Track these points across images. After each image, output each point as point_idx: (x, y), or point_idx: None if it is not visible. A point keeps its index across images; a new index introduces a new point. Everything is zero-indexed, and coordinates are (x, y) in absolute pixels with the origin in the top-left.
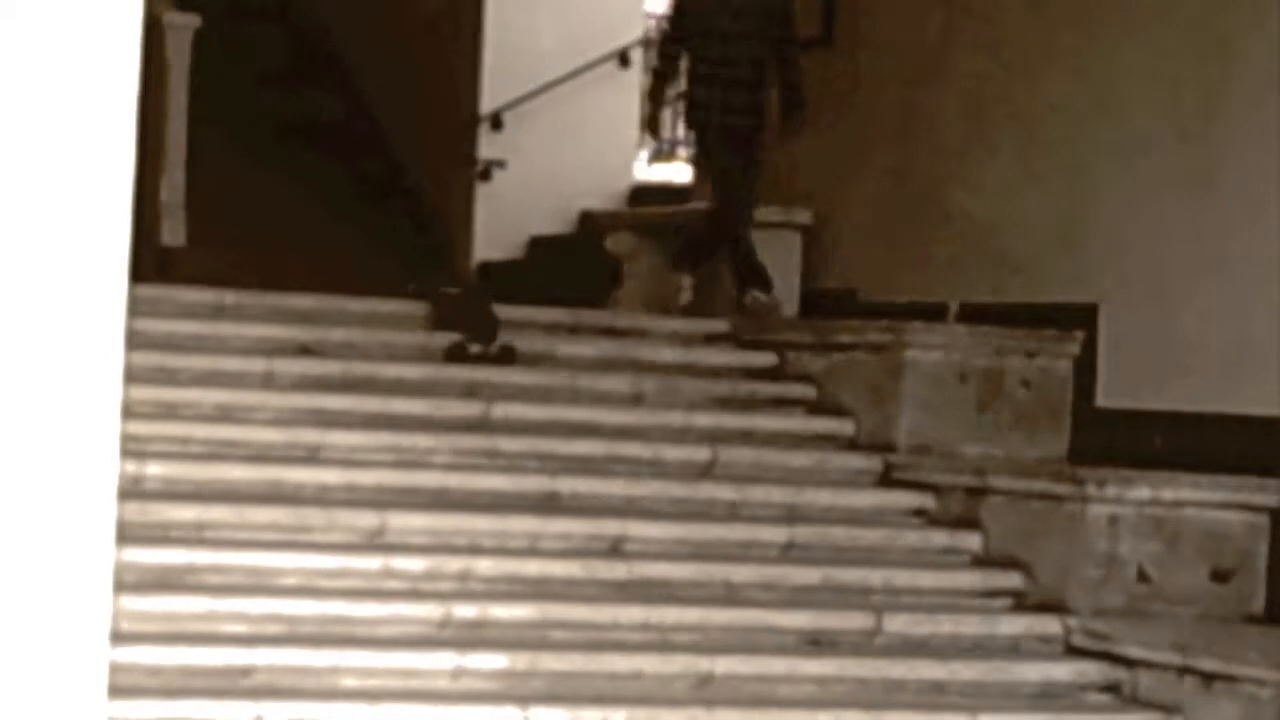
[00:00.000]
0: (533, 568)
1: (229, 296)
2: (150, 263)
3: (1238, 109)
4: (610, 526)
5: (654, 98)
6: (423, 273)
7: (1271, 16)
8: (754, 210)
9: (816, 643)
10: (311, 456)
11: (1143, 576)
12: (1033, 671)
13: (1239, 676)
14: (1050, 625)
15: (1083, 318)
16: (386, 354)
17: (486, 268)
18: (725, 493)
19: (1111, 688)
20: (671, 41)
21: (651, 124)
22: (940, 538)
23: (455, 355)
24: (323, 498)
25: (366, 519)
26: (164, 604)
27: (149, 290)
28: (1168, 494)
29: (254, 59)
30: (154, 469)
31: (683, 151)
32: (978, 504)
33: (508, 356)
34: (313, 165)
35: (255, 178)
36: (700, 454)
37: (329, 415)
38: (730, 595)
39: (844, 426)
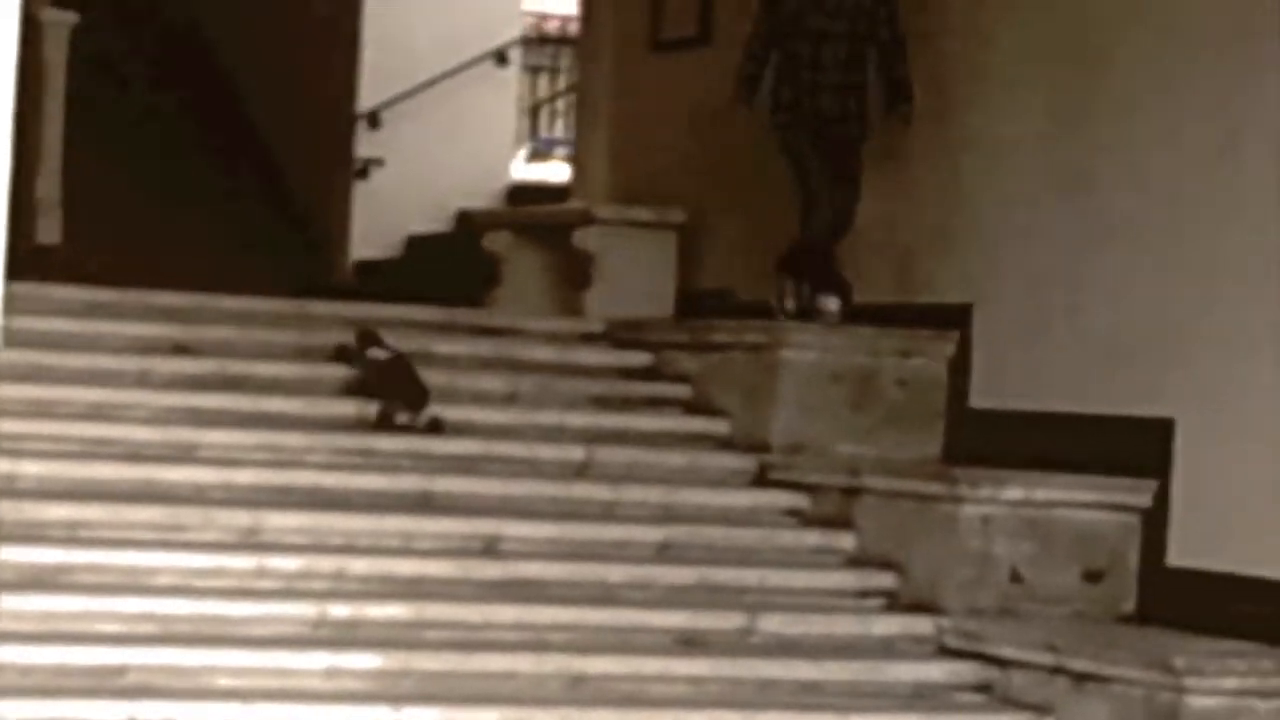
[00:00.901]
0: (407, 567)
1: (104, 294)
2: (25, 260)
3: (1111, 111)
4: (485, 526)
5: (740, 98)
6: (299, 271)
7: (1142, 21)
8: (850, 219)
9: (690, 643)
10: (187, 455)
11: (1015, 577)
12: (906, 672)
13: (1110, 677)
14: (923, 625)
15: (957, 318)
16: (262, 352)
17: (364, 266)
18: (600, 492)
19: (984, 688)
20: (760, 42)
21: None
22: (814, 538)
23: (382, 424)
24: (198, 497)
25: (241, 518)
26: (38, 603)
27: (24, 288)
28: (1040, 494)
29: (130, 58)
30: (29, 467)
31: (560, 151)
32: (852, 504)
33: (435, 428)
34: (190, 164)
35: (132, 176)
36: (575, 453)
37: (204, 414)
38: (605, 595)
39: (719, 426)
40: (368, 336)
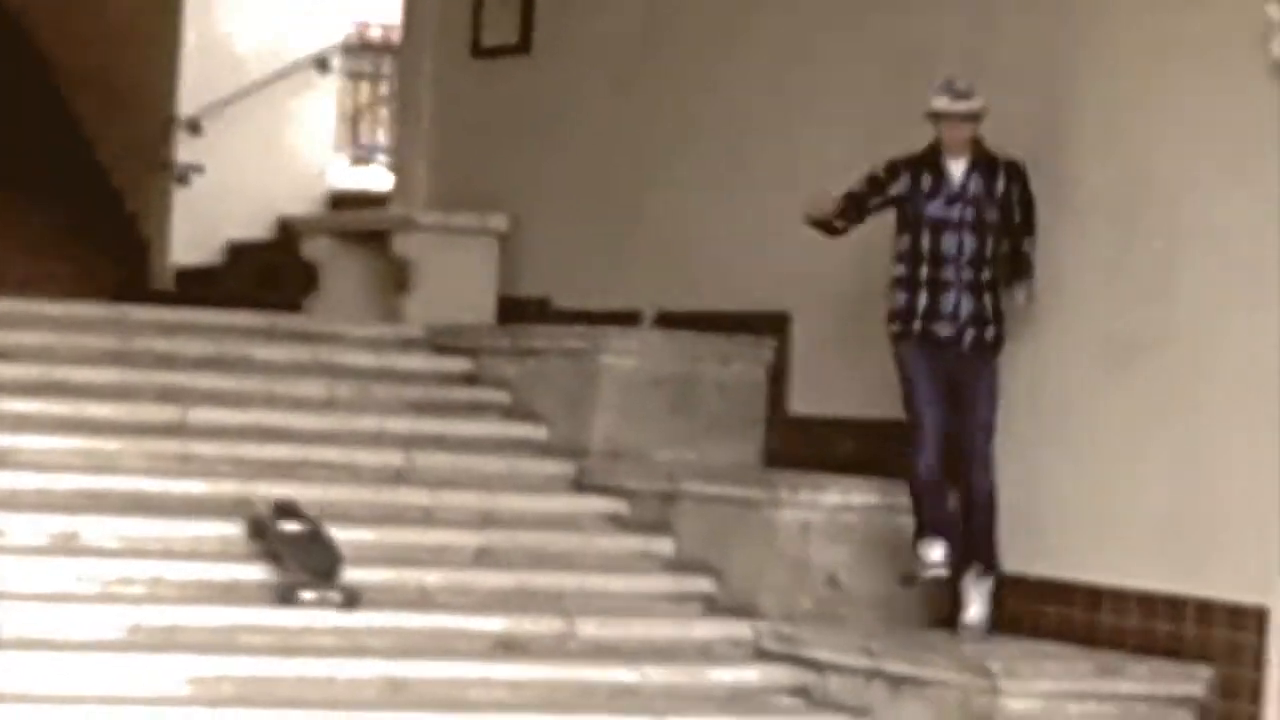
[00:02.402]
0: (225, 572)
1: None
2: None
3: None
4: None
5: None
6: (121, 276)
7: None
8: (986, 454)
9: (509, 647)
10: (4, 460)
11: (833, 581)
12: (724, 675)
13: (926, 680)
14: (741, 629)
15: (776, 325)
16: (80, 358)
17: (185, 273)
18: (419, 497)
19: (801, 691)
20: (850, 200)
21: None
22: (633, 542)
23: (288, 599)
24: (13, 501)
25: (58, 523)
26: None
27: None
28: (857, 499)
29: None
30: None
31: (381, 158)
32: (670, 509)
33: (351, 601)
34: (10, 166)
35: None
36: (394, 459)
37: (21, 418)
38: (423, 600)
39: (538, 432)
40: (283, 508)
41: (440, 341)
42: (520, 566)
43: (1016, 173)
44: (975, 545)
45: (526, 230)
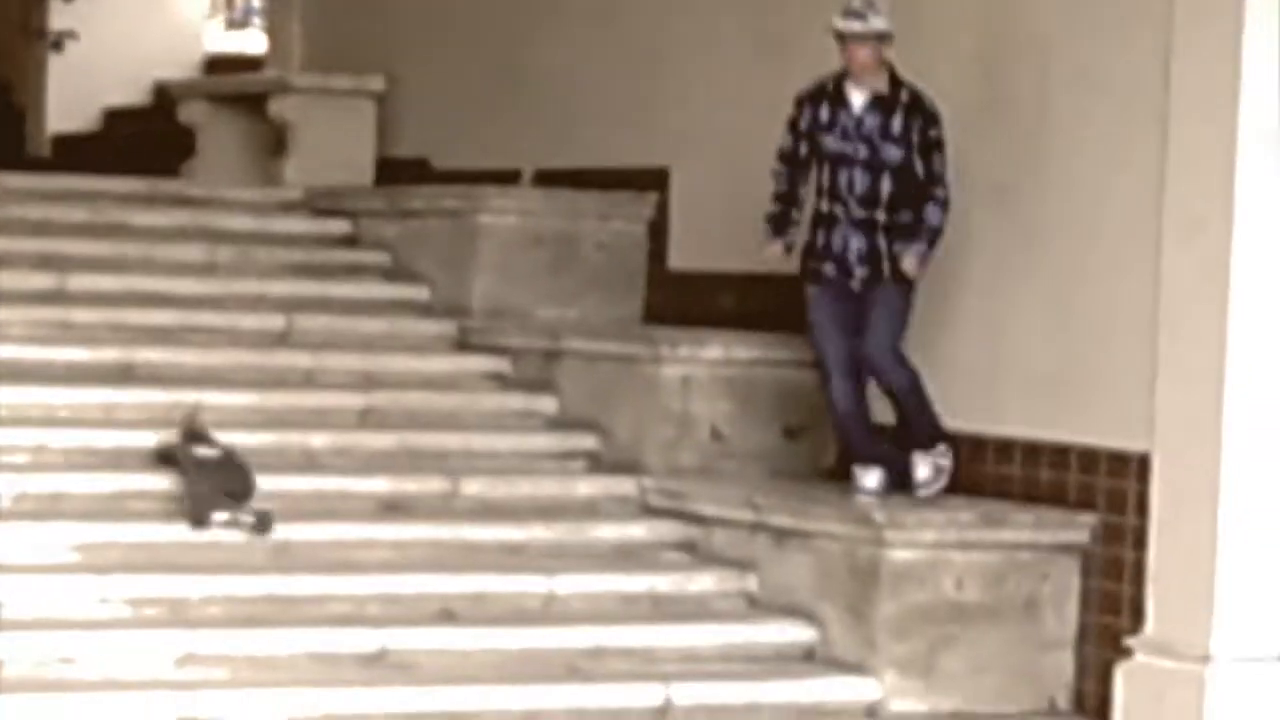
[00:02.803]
0: (109, 439)
1: None
2: None
3: None
4: (186, 396)
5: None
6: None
7: None
8: (889, 363)
9: (394, 508)
10: None
11: (716, 435)
12: (609, 531)
13: (810, 532)
14: (626, 486)
15: (655, 181)
16: None
17: (62, 141)
18: (302, 360)
19: (687, 546)
20: (782, 161)
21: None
22: (516, 401)
23: (201, 521)
24: None
25: None
26: None
27: None
28: (740, 353)
29: None
30: None
31: (256, 20)
32: (553, 367)
33: (263, 524)
34: None
35: None
36: (276, 322)
37: None
38: (308, 462)
39: (419, 292)
40: (193, 433)
41: (319, 204)
42: (404, 427)
43: (917, 109)
44: (913, 434)
45: (403, 91)
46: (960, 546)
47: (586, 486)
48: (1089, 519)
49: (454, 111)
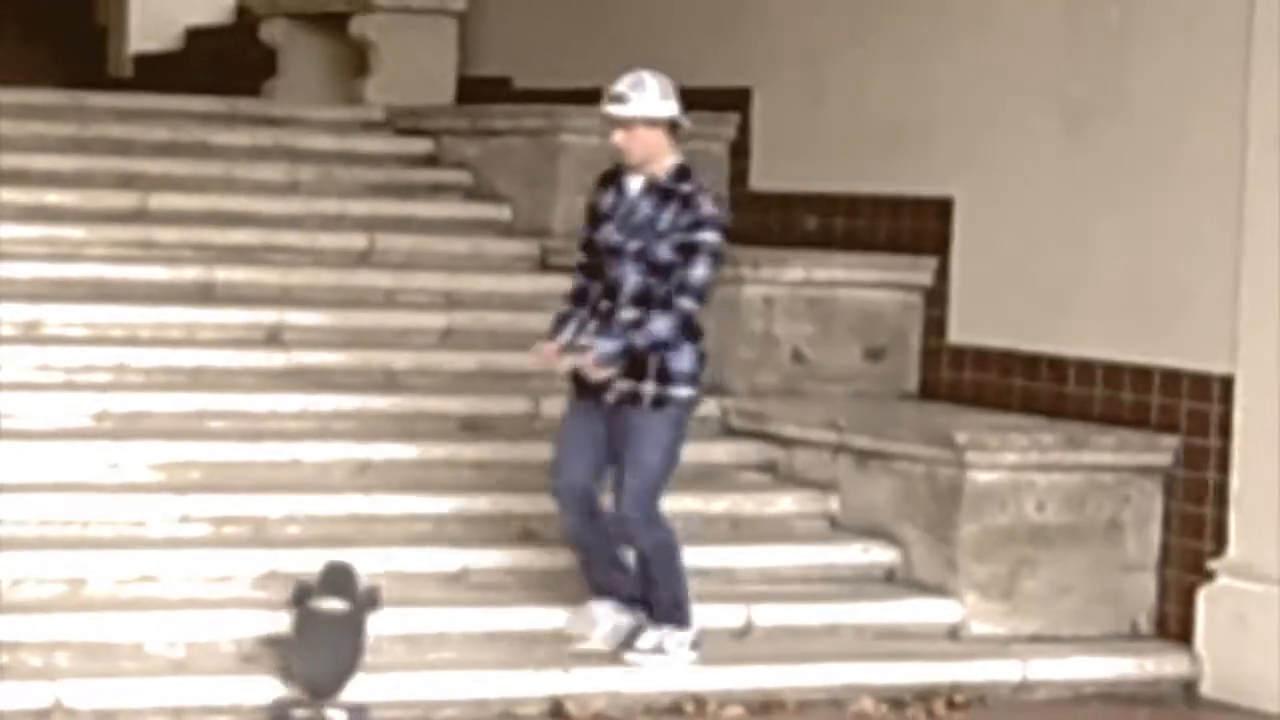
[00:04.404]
0: (189, 358)
1: None
2: None
3: None
4: (267, 316)
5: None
6: (80, 66)
7: None
8: (635, 535)
9: (474, 428)
10: None
11: (798, 357)
12: (691, 452)
13: (892, 454)
14: (707, 406)
15: (737, 101)
16: (39, 146)
17: (143, 60)
18: (383, 280)
19: (768, 467)
20: (580, 250)
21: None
22: None
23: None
24: None
25: (23, 312)
26: None
27: None
28: (821, 274)
29: None
30: None
31: None
32: None
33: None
34: None
35: None
36: (357, 241)
37: None
38: (389, 382)
39: (501, 212)
40: (336, 577)
41: (401, 123)
42: (485, 347)
43: (689, 208)
44: (652, 601)
45: (485, 10)
46: (1042, 468)
47: None
48: (1171, 441)
49: (535, 31)
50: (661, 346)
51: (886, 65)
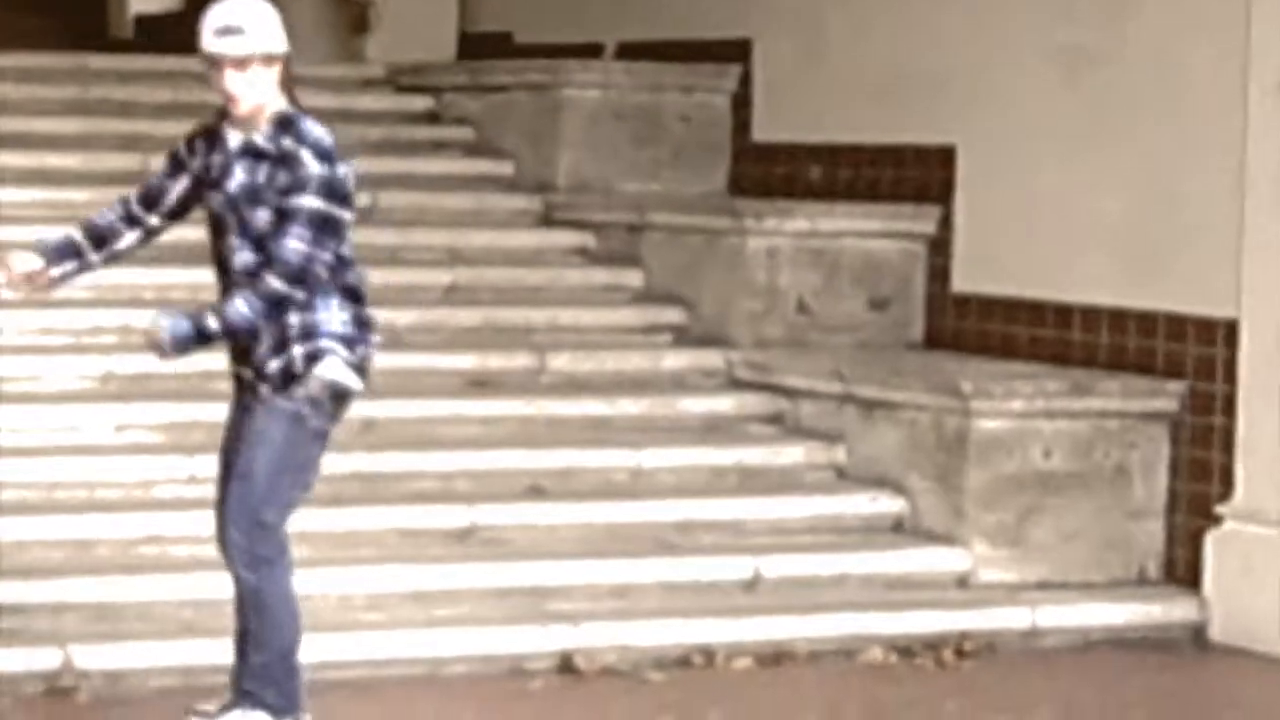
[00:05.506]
0: None
1: None
2: None
3: None
4: None
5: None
6: (79, 27)
7: None
8: (235, 559)
9: (481, 384)
10: None
11: (802, 307)
12: (696, 405)
13: (898, 403)
14: (712, 359)
15: (738, 52)
16: (40, 109)
17: (144, 21)
18: (386, 237)
19: (775, 418)
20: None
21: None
22: (601, 275)
23: None
24: None
25: None
26: None
27: None
28: (825, 225)
29: None
30: None
31: None
32: (638, 241)
33: None
34: None
35: None
36: (359, 199)
37: None
38: (393, 339)
39: (503, 168)
40: None
41: (401, 80)
42: (489, 303)
43: (286, 165)
44: (245, 673)
45: None
46: (1048, 415)
47: (673, 360)
48: (1177, 386)
49: None
50: (246, 333)
51: (887, 14)
